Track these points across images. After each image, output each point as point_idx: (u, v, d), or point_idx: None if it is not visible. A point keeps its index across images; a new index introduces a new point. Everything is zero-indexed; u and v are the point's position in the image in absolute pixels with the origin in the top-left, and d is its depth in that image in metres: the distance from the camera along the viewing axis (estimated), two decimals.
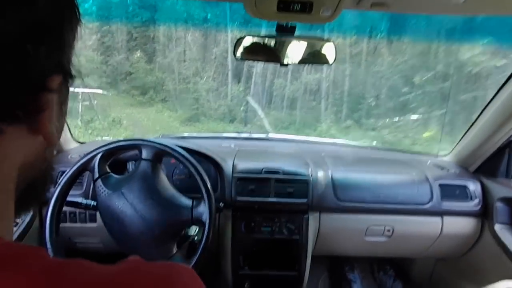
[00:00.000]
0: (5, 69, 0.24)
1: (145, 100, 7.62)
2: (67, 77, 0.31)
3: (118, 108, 7.05)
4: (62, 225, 1.00)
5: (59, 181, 1.00)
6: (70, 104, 0.36)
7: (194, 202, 0.99)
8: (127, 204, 0.97)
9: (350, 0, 0.82)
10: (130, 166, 1.35)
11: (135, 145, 1.04)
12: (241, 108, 7.23)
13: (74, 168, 1.01)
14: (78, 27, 0.31)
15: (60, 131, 0.34)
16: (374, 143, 4.52)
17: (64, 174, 1.01)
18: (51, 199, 0.98)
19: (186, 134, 1.83)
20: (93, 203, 1.05)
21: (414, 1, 0.80)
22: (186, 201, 1.00)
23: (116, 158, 1.23)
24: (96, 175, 1.01)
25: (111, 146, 1.02)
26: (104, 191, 1.00)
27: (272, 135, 1.76)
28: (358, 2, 0.85)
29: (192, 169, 1.00)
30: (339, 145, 1.71)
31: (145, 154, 1.02)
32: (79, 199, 1.06)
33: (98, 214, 1.15)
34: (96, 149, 1.03)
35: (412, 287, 1.68)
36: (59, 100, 0.31)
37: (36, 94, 0.28)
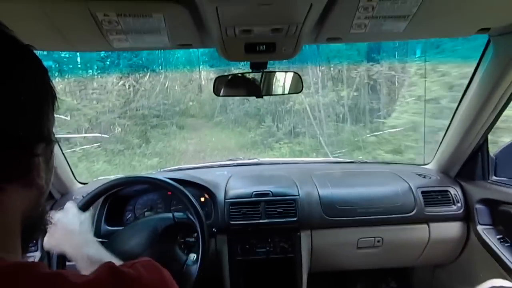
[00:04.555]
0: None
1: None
2: (49, 143, 0.41)
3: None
4: (68, 263, 1.07)
5: None
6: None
7: (188, 259, 1.08)
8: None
9: (308, 37, 0.95)
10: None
11: (129, 182, 1.14)
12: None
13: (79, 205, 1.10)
14: (55, 102, 0.41)
15: (49, 181, 0.44)
16: (360, 157, 4.62)
17: None
18: None
19: (182, 166, 1.92)
20: (103, 240, 1.13)
21: (363, 34, 0.92)
22: (182, 257, 1.09)
23: (116, 194, 1.33)
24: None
25: (107, 185, 1.12)
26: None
27: (263, 159, 1.85)
28: (315, 38, 0.97)
29: (185, 200, 1.09)
30: (325, 163, 1.80)
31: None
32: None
33: None
34: (95, 189, 1.13)
35: None
36: (45, 160, 0.41)
37: (26, 159, 0.37)
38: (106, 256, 0.80)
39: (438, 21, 0.84)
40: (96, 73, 7.09)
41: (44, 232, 0.78)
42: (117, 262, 0.67)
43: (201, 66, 7.90)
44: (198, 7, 0.73)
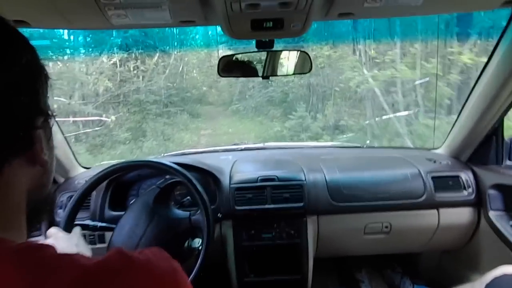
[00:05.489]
0: (2, 116, 0.35)
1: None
2: (47, 117, 0.41)
3: None
4: None
5: (67, 206, 1.08)
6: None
7: (191, 213, 1.06)
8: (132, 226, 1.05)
9: (318, 13, 0.89)
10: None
11: (133, 166, 1.12)
12: None
13: (79, 192, 1.09)
14: (48, 81, 0.42)
15: (52, 160, 0.44)
16: (368, 142, 4.40)
17: (72, 199, 1.08)
18: (60, 223, 1.05)
19: (186, 151, 1.89)
20: (107, 225, 1.12)
21: (377, 8, 0.86)
22: (183, 213, 1.07)
23: (120, 178, 1.32)
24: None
25: (110, 169, 1.09)
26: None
27: (268, 144, 1.82)
28: (326, 13, 0.91)
29: (189, 184, 1.07)
30: (333, 148, 1.76)
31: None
32: (97, 223, 1.13)
33: (106, 234, 1.24)
34: (98, 173, 1.11)
35: (420, 282, 1.68)
36: (46, 136, 0.41)
37: (27, 131, 0.38)
38: None
39: None
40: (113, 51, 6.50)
41: (49, 213, 0.76)
42: None
43: (220, 47, 6.93)
44: None
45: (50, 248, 0.35)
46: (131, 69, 6.73)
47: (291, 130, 5.66)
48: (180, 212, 1.10)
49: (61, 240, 0.84)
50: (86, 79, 6.32)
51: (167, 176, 1.17)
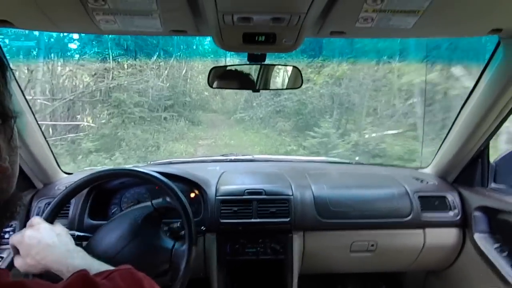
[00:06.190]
0: None
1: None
2: (6, 118, 0.37)
3: None
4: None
5: (44, 213, 1.03)
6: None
7: (176, 245, 1.02)
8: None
9: (310, 30, 0.89)
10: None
11: (115, 174, 1.08)
12: None
13: (57, 199, 1.04)
14: (7, 72, 0.37)
15: (15, 162, 0.40)
16: (357, 158, 4.22)
17: (50, 206, 1.04)
18: None
19: (174, 160, 1.86)
20: (86, 234, 1.06)
21: (368, 29, 0.86)
22: (167, 242, 1.03)
23: (102, 186, 1.27)
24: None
25: (91, 176, 1.05)
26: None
27: (257, 156, 1.80)
28: (318, 31, 0.92)
29: (172, 194, 1.03)
30: (321, 163, 1.75)
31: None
32: (75, 232, 1.07)
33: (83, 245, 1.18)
34: (79, 179, 1.06)
35: None
36: (6, 138, 0.37)
37: None
38: (94, 264, 0.74)
39: (450, 18, 0.79)
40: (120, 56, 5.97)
41: (12, 220, 0.71)
42: (106, 268, 0.61)
43: (228, 55, 6.31)
44: None
45: (2, 275, 0.32)
46: (125, 67, 6.07)
47: (309, 150, 4.50)
48: (165, 240, 1.04)
49: (43, 230, 0.79)
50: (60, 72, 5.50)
51: (168, 199, 1.09)
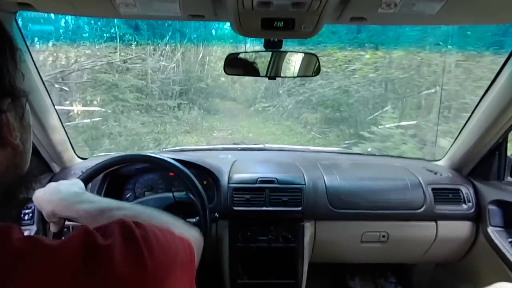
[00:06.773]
0: None
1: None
2: (16, 97, 0.38)
3: None
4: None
5: None
6: None
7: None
8: None
9: (330, 16, 0.87)
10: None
11: (132, 159, 1.09)
12: None
13: (90, 170, 1.06)
14: (16, 53, 0.38)
15: (26, 140, 0.41)
16: (369, 149, 4.12)
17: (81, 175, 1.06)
18: None
19: (185, 147, 1.87)
20: None
21: (391, 15, 0.84)
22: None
23: (117, 171, 1.29)
24: None
25: (108, 161, 1.07)
26: None
27: (268, 145, 1.79)
28: (338, 17, 0.90)
29: (188, 181, 1.04)
30: (334, 153, 1.74)
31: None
32: None
33: None
34: (97, 164, 1.08)
35: None
36: (17, 116, 0.39)
37: None
38: (103, 202, 0.70)
39: (476, 4, 0.76)
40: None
41: (25, 201, 0.69)
42: (115, 206, 0.62)
43: (248, 41, 5.57)
44: None
45: (13, 231, 0.34)
46: (133, 47, 5.56)
47: None
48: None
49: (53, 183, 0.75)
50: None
51: (190, 195, 1.10)
